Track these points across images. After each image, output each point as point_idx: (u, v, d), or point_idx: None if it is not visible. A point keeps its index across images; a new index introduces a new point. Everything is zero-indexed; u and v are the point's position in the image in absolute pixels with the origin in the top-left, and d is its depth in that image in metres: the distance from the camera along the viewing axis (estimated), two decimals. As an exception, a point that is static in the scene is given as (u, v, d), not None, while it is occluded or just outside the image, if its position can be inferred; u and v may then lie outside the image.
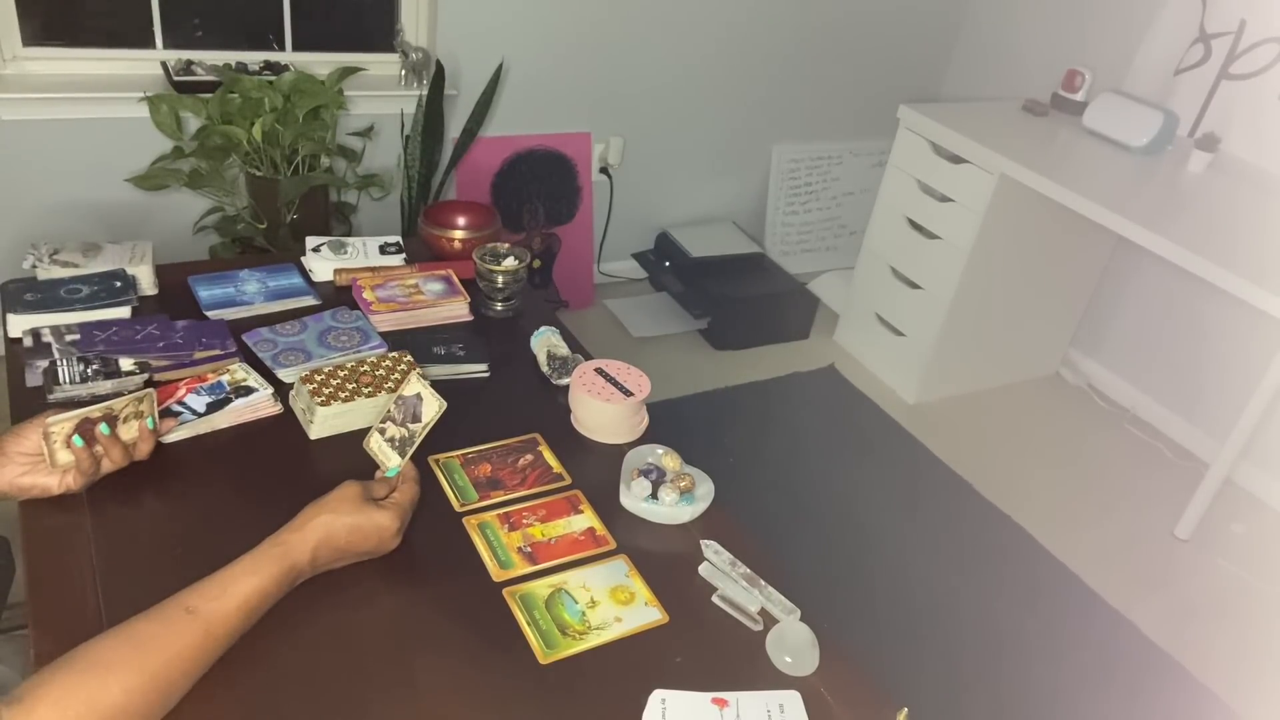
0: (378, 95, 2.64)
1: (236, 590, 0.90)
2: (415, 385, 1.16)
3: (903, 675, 2.01)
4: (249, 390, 1.24)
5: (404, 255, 1.64)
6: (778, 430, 2.80)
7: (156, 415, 1.13)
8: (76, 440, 1.03)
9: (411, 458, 1.11)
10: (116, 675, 0.80)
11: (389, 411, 1.17)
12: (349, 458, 1.19)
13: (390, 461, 1.13)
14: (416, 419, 1.13)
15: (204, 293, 1.46)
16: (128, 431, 1.09)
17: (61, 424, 1.03)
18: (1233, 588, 2.46)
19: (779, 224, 3.59)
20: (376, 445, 1.16)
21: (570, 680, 0.96)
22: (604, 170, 3.18)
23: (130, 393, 1.12)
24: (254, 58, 2.57)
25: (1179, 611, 2.34)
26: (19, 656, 1.31)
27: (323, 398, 1.21)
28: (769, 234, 3.57)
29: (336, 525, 0.98)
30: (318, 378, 1.24)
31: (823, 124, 3.54)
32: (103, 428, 1.05)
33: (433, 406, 1.13)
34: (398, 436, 1.14)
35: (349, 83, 2.42)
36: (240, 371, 1.26)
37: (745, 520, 1.22)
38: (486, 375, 1.41)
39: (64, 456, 1.04)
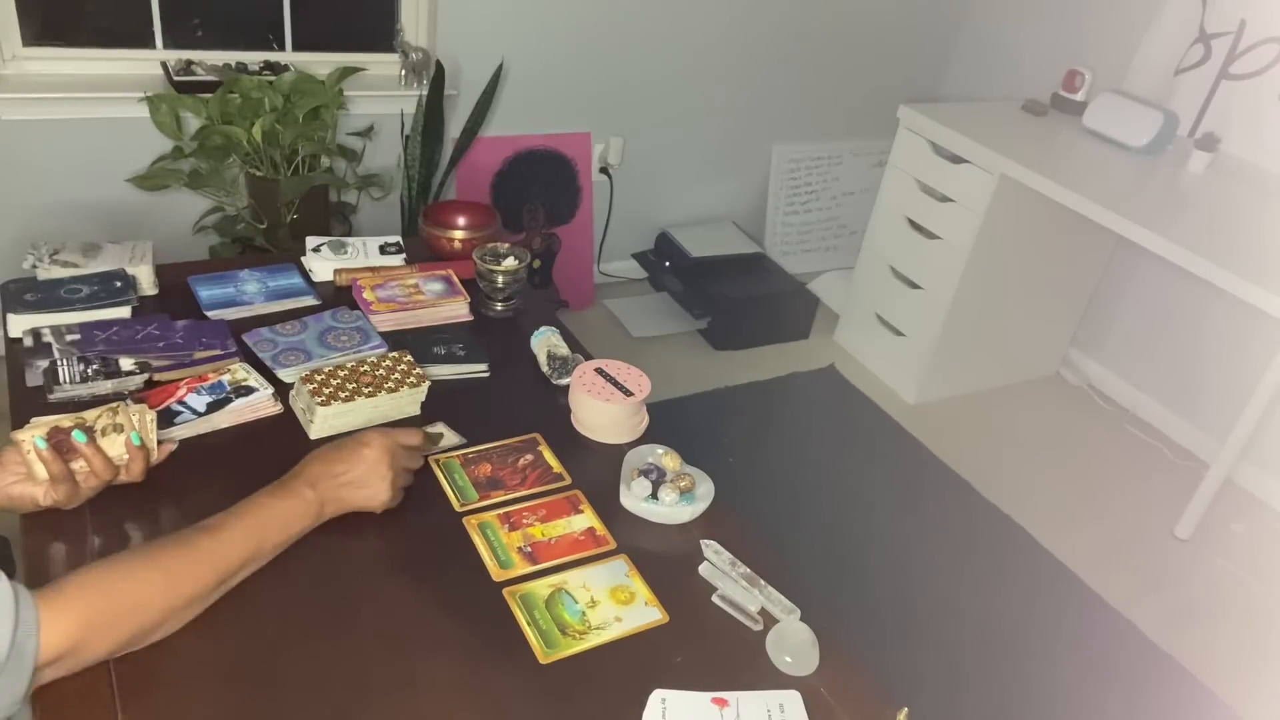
0: (378, 95, 2.64)
1: (238, 507, 1.00)
2: (440, 427, 1.27)
3: (903, 675, 2.01)
4: (249, 390, 1.24)
5: (404, 255, 1.64)
6: (778, 430, 2.80)
7: (148, 431, 1.08)
8: (39, 441, 0.99)
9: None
10: (134, 568, 0.89)
11: None
12: (349, 458, 1.19)
13: None
14: (433, 443, 1.23)
15: (204, 293, 1.46)
16: (111, 446, 1.04)
17: (30, 433, 1.00)
18: (1233, 588, 2.46)
19: (779, 224, 3.59)
20: None
21: (570, 680, 0.96)
22: (604, 170, 3.18)
23: (108, 403, 1.07)
24: (254, 58, 2.57)
25: (1179, 611, 2.34)
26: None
27: (323, 398, 1.21)
28: (769, 234, 3.57)
29: (325, 447, 1.08)
30: (318, 378, 1.24)
31: (823, 124, 3.54)
32: (77, 435, 1.00)
33: (452, 441, 1.25)
34: None
35: (349, 83, 2.42)
36: (240, 371, 1.26)
37: (745, 520, 1.22)
38: (486, 375, 1.41)
39: (39, 468, 1.00)
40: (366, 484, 1.07)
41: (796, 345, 3.24)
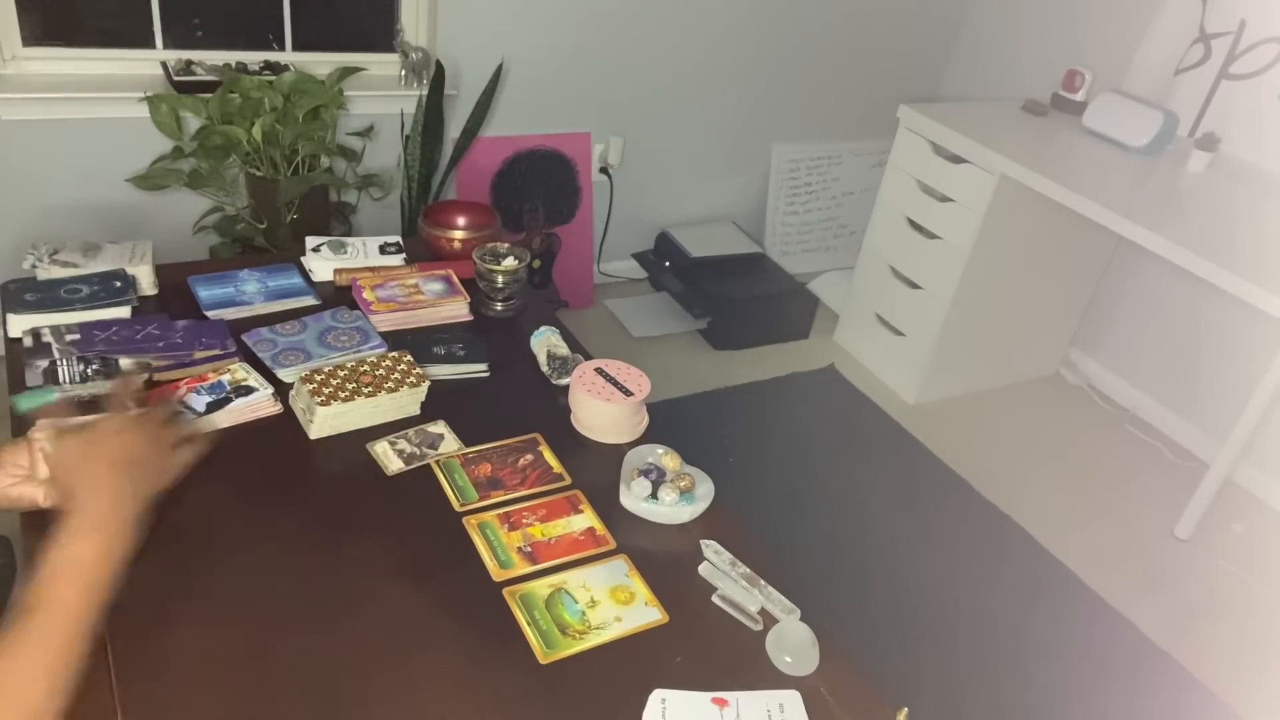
0: (378, 95, 2.64)
1: (48, 573, 0.88)
2: (441, 427, 1.27)
3: (903, 675, 2.01)
4: (249, 390, 1.24)
5: (404, 255, 1.64)
6: (778, 430, 2.80)
7: None
8: (48, 446, 0.99)
9: (412, 464, 1.19)
10: (13, 668, 0.81)
11: (409, 435, 1.24)
12: (349, 457, 1.19)
13: (392, 464, 1.19)
14: (433, 447, 1.24)
15: (204, 293, 1.46)
16: None
17: (42, 433, 1.01)
18: (1233, 588, 2.46)
19: (779, 224, 3.59)
20: (382, 450, 1.21)
21: (570, 680, 0.96)
22: (604, 170, 3.18)
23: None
24: (254, 58, 2.57)
25: (1179, 611, 2.34)
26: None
27: (323, 398, 1.21)
28: (769, 234, 3.57)
29: (69, 479, 0.94)
30: (318, 378, 1.25)
31: (823, 124, 3.54)
32: None
33: (452, 445, 1.25)
34: (407, 450, 1.21)
35: (349, 83, 2.42)
36: (240, 371, 1.27)
37: (745, 520, 1.22)
38: (486, 375, 1.41)
39: (43, 469, 1.01)
40: (127, 475, 0.95)
41: (796, 345, 3.24)
